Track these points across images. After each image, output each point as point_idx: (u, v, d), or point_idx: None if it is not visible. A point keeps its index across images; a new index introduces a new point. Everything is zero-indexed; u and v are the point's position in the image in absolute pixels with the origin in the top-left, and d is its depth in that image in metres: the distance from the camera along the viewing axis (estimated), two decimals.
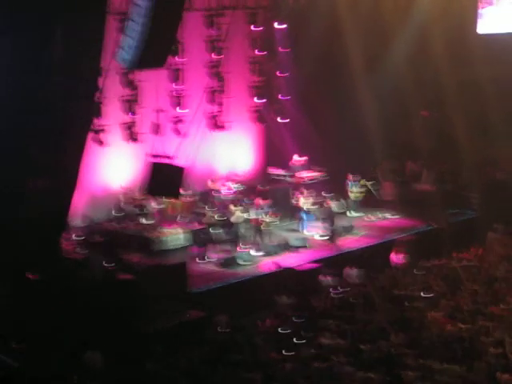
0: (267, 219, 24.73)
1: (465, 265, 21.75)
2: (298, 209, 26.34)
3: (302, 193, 26.63)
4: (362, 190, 28.13)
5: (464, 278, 20.61)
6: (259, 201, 25.61)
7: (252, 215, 24.64)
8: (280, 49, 28.80)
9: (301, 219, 26.18)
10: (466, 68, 28.51)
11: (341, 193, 28.03)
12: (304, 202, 26.16)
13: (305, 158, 28.33)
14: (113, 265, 20.72)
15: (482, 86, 27.98)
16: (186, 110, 25.21)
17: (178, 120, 25.66)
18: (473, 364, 15.35)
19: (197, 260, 23.39)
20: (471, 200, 28.48)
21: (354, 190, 28.01)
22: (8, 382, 16.13)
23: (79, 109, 17.92)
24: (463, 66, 28.54)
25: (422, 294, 19.80)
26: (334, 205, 26.86)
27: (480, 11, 29.05)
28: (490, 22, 29.07)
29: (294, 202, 26.79)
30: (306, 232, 25.83)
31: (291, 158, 28.54)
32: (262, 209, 25.08)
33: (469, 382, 14.80)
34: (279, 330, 18.25)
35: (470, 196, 28.59)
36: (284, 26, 28.49)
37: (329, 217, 25.72)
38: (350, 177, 28.06)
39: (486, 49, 28.24)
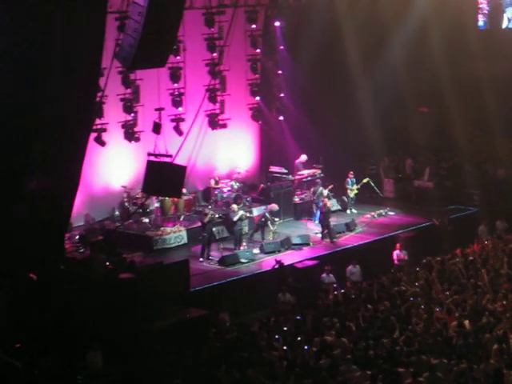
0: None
1: (467, 261, 21.69)
2: (308, 205, 26.44)
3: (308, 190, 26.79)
4: (359, 187, 28.02)
5: (467, 274, 20.57)
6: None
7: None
8: (279, 47, 28.83)
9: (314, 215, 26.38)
10: (467, 63, 28.45)
11: (340, 190, 28.02)
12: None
13: (305, 156, 28.24)
14: (114, 264, 20.70)
15: (483, 81, 27.91)
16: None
17: (178, 119, 25.68)
18: (476, 361, 15.33)
19: (199, 259, 23.39)
20: (472, 196, 28.49)
21: (354, 188, 27.96)
22: (11, 382, 16.13)
23: (80, 109, 17.85)
24: (463, 61, 28.49)
25: (424, 290, 19.79)
26: (331, 202, 26.87)
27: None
28: None
29: (296, 199, 26.89)
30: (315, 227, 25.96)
31: (291, 156, 28.52)
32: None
33: (472, 379, 14.77)
34: (282, 327, 18.23)
35: (471, 192, 28.59)
36: (283, 23, 28.52)
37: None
38: (351, 174, 28.01)
39: (487, 44, 28.18)
